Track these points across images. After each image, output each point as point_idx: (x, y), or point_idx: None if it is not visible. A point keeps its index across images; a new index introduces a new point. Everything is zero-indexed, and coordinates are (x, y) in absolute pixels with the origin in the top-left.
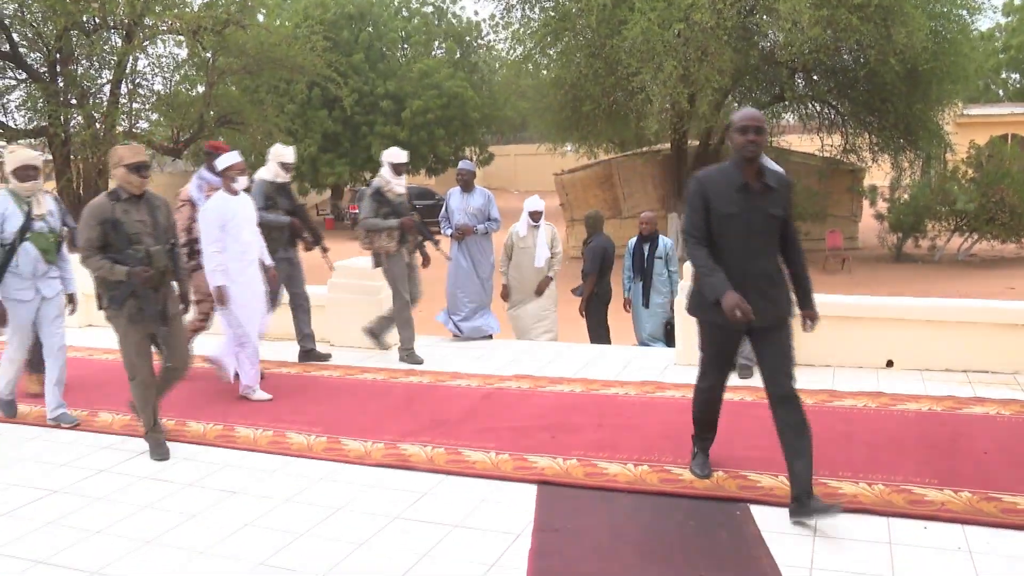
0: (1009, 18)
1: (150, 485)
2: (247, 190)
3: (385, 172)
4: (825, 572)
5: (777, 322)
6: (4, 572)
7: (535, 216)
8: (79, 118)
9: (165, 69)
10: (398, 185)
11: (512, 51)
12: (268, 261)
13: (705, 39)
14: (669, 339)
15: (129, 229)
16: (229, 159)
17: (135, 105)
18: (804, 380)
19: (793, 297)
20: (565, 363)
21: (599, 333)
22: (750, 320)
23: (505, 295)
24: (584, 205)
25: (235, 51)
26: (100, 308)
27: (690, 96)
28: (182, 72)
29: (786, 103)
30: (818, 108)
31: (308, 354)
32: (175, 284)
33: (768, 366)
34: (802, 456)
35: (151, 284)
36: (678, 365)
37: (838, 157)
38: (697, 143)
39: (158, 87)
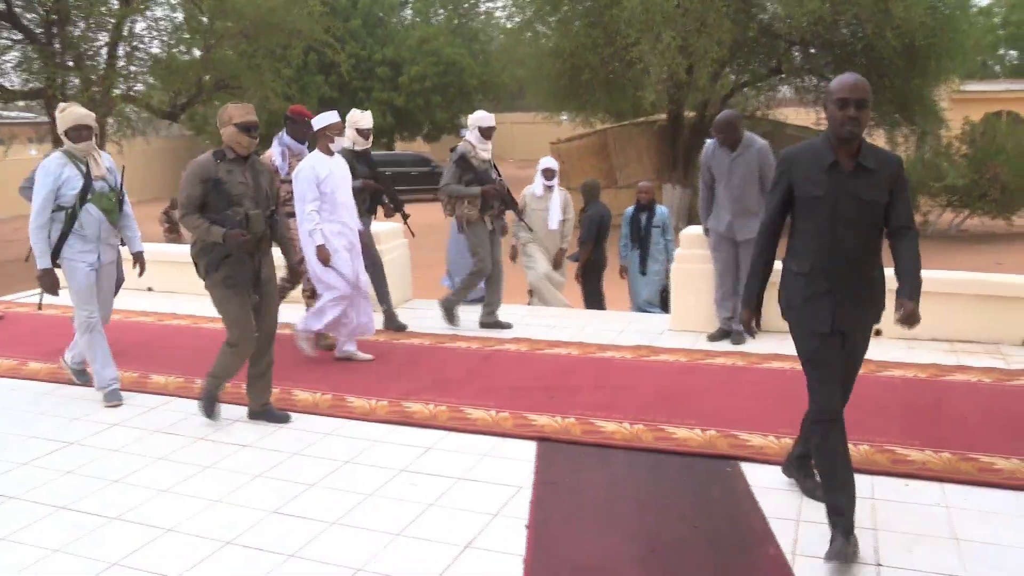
0: None
1: (163, 438)
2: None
3: (472, 137)
4: (811, 524)
5: (862, 330)
6: (30, 516)
7: (548, 174)
8: (76, 80)
9: (162, 32)
10: (484, 151)
11: (511, 19)
12: (358, 225)
13: (704, 10)
14: (665, 305)
15: (231, 190)
16: (327, 118)
17: (132, 68)
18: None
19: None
20: (562, 327)
21: (594, 299)
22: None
23: (513, 256)
24: (580, 174)
25: (232, 15)
26: (199, 276)
27: (688, 67)
28: (179, 35)
29: (783, 76)
30: (815, 81)
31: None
32: (276, 253)
33: None
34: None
35: (247, 249)
36: (672, 330)
37: None
38: (693, 114)
39: (155, 50)
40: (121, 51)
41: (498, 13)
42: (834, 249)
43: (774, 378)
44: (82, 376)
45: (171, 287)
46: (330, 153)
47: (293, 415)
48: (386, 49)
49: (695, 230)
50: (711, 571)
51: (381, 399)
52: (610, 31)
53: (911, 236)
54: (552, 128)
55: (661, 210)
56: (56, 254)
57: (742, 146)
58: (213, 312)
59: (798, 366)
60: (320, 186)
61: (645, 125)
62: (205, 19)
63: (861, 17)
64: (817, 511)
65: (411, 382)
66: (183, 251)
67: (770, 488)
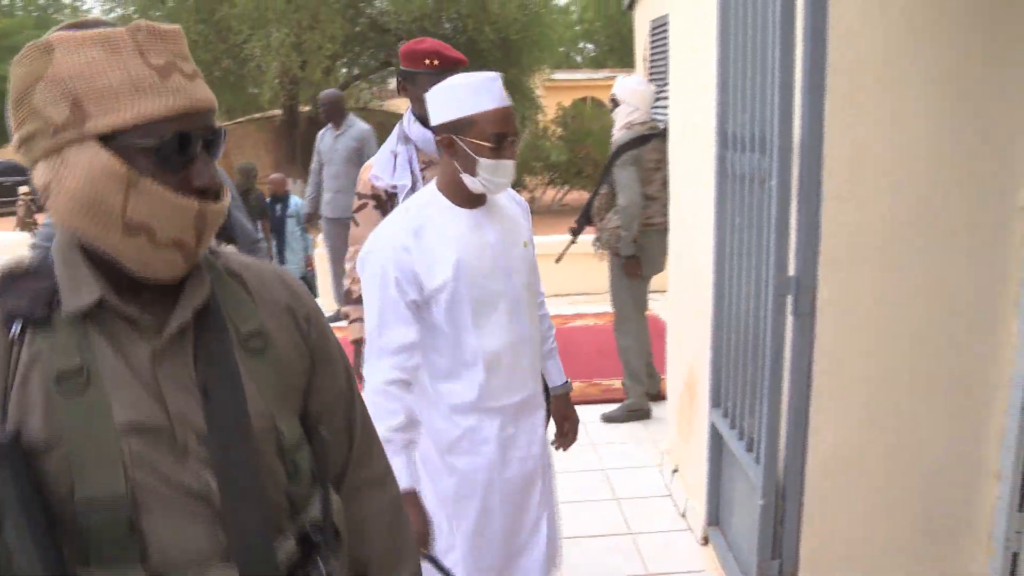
0: None
1: None
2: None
3: None
4: None
5: None
6: None
7: None
8: None
9: None
10: None
11: (111, 12)
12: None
13: (315, 6)
14: None
15: None
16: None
17: None
18: None
19: None
20: None
21: None
22: None
23: None
24: None
25: None
26: None
27: (302, 63)
28: None
29: (392, 68)
30: None
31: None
32: None
33: None
34: None
35: None
36: (327, 310)
37: None
38: (309, 108)
39: None
40: None
41: (92, 6)
42: None
43: None
44: None
45: None
46: (463, 205)
47: None
48: None
49: None
50: None
51: None
52: (221, 28)
53: None
54: None
55: (295, 200)
56: None
57: (345, 125)
58: None
59: None
60: (417, 286)
61: (262, 121)
62: None
63: (462, 13)
64: None
65: None
66: None
67: None
